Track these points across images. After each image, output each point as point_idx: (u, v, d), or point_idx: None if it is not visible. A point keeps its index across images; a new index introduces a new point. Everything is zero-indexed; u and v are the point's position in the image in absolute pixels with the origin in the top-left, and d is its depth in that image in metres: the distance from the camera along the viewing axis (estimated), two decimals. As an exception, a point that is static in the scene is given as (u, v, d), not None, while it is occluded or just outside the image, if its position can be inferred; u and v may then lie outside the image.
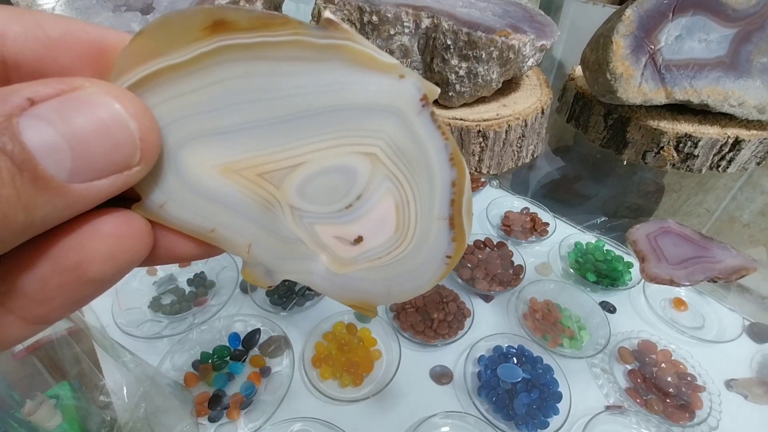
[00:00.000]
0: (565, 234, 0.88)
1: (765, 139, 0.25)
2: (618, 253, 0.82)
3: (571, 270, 0.79)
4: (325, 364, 0.63)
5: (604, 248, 0.83)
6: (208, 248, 0.15)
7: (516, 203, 0.97)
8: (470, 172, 0.25)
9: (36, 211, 0.10)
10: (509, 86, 0.27)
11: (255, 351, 0.66)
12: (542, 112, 0.26)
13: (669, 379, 0.62)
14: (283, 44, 0.13)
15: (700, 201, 1.68)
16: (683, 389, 0.61)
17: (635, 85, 0.23)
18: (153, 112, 0.13)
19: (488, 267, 0.79)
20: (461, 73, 0.23)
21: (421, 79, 0.14)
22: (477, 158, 0.25)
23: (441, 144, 0.15)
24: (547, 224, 0.90)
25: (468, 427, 0.57)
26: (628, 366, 0.65)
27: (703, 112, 0.26)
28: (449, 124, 0.23)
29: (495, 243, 0.85)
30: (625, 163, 0.28)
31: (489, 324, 0.71)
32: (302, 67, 0.14)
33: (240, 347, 0.67)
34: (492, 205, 0.95)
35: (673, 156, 0.25)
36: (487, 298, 0.76)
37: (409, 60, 0.24)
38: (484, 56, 0.22)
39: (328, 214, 0.17)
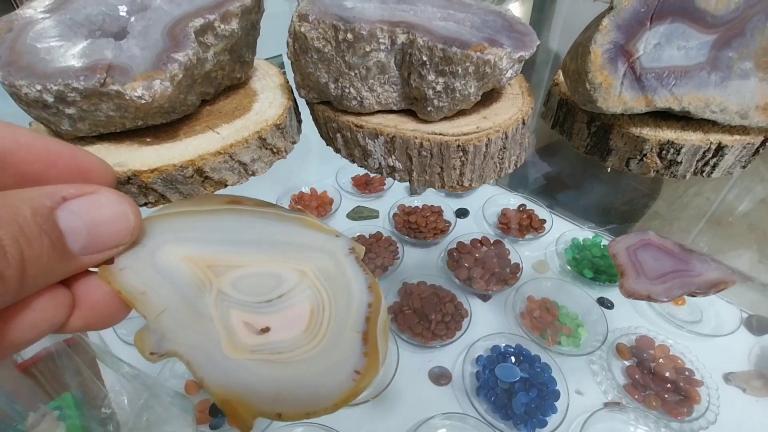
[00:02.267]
0: (562, 230, 0.88)
1: (749, 144, 0.25)
2: (615, 248, 0.82)
3: (568, 267, 0.79)
4: (323, 368, 0.64)
5: (601, 244, 0.83)
6: (119, 312, 0.18)
7: (512, 200, 0.97)
8: (452, 185, 0.25)
9: (54, 273, 0.15)
10: (491, 96, 0.27)
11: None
12: (523, 123, 0.25)
13: (667, 374, 0.62)
14: (269, 213, 0.23)
15: (699, 190, 1.68)
16: (681, 384, 0.61)
17: (615, 95, 0.23)
18: (174, 225, 0.20)
19: (485, 266, 0.79)
20: (438, 88, 0.23)
21: (350, 240, 0.22)
22: (458, 172, 0.25)
23: (362, 276, 0.21)
24: (544, 221, 0.90)
25: (467, 428, 0.58)
26: (626, 362, 0.65)
27: (686, 118, 0.26)
28: (429, 140, 0.23)
29: (492, 241, 0.85)
30: (608, 170, 0.27)
31: (487, 324, 0.72)
32: (276, 221, 0.22)
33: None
34: (488, 203, 0.95)
35: (656, 163, 0.25)
36: (484, 298, 0.77)
37: (387, 76, 0.24)
38: (460, 71, 0.22)
39: (248, 303, 0.20)
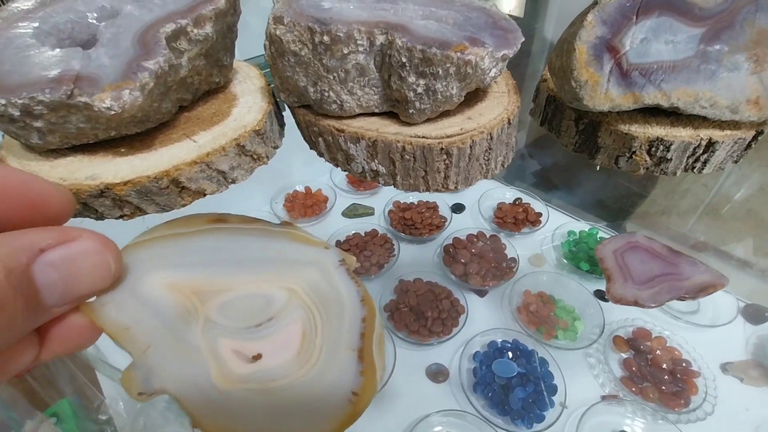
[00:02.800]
0: (558, 223, 0.88)
1: (740, 138, 0.25)
2: (611, 240, 0.82)
3: (565, 260, 0.79)
4: (321, 368, 0.64)
5: (598, 235, 0.83)
6: (91, 339, 0.18)
7: (508, 194, 0.96)
8: (437, 189, 0.25)
9: (25, 329, 0.14)
10: (476, 95, 0.27)
11: (251, 358, 0.67)
12: (509, 123, 0.25)
13: (664, 366, 0.62)
14: (254, 229, 0.22)
15: (698, 177, 1.67)
16: (678, 375, 0.61)
17: (601, 92, 0.23)
18: (157, 251, 0.20)
19: (481, 261, 0.79)
20: (419, 90, 0.22)
21: (340, 252, 0.22)
22: (443, 175, 0.24)
23: (354, 289, 0.21)
24: (540, 214, 0.89)
25: (465, 425, 0.58)
26: (623, 355, 0.65)
27: (675, 114, 0.25)
28: (411, 143, 0.22)
29: (488, 236, 0.84)
30: (597, 168, 0.27)
31: (483, 319, 0.71)
32: (262, 237, 0.22)
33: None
34: (484, 197, 0.94)
35: (645, 160, 0.25)
36: (481, 293, 0.76)
37: (367, 78, 0.23)
38: (441, 73, 0.21)
39: (237, 330, 0.19)
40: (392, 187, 0.26)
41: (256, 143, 0.25)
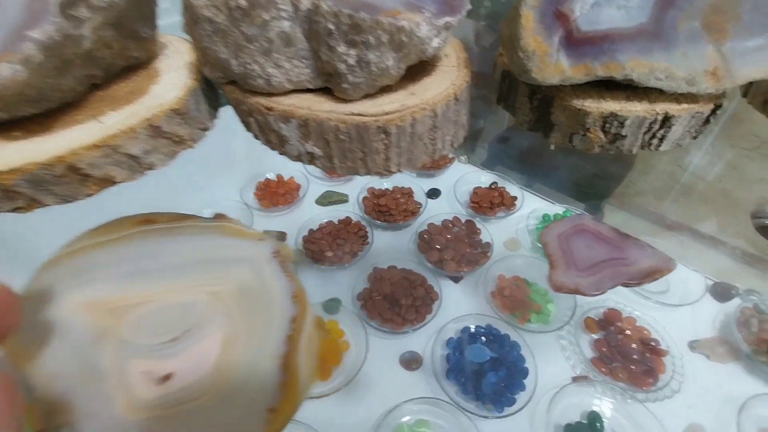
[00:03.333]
0: (533, 207, 0.87)
1: (698, 113, 0.23)
2: (585, 222, 0.82)
3: (539, 243, 0.78)
4: (291, 360, 0.62)
5: (572, 219, 0.83)
6: None
7: (484, 178, 0.95)
8: (378, 172, 0.23)
9: None
10: (423, 69, 0.25)
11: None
12: (456, 99, 0.23)
13: (633, 345, 0.63)
14: (184, 227, 0.21)
15: (673, 158, 1.69)
16: (647, 354, 0.62)
17: (551, 63, 0.21)
18: (76, 265, 0.19)
19: (456, 247, 0.78)
20: (351, 61, 0.20)
21: (275, 242, 0.21)
22: (383, 156, 0.22)
23: (285, 284, 0.19)
24: (515, 198, 0.88)
25: (437, 411, 0.57)
26: (594, 336, 0.66)
27: (631, 87, 0.24)
28: (345, 122, 0.20)
29: (463, 221, 0.83)
30: (552, 147, 0.25)
31: (458, 305, 0.71)
32: (191, 236, 0.21)
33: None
34: (460, 182, 0.93)
35: (599, 138, 0.23)
36: (456, 279, 0.76)
37: (295, 49, 0.21)
38: (372, 41, 0.19)
39: (149, 348, 0.17)
40: (331, 170, 0.23)
41: (175, 124, 0.22)
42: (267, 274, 0.19)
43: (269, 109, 0.22)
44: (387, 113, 0.21)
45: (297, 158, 0.24)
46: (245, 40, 0.20)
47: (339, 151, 0.22)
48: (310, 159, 0.23)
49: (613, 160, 1.37)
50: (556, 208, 0.87)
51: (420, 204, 0.88)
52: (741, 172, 1.52)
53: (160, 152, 0.22)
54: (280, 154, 0.24)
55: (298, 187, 0.93)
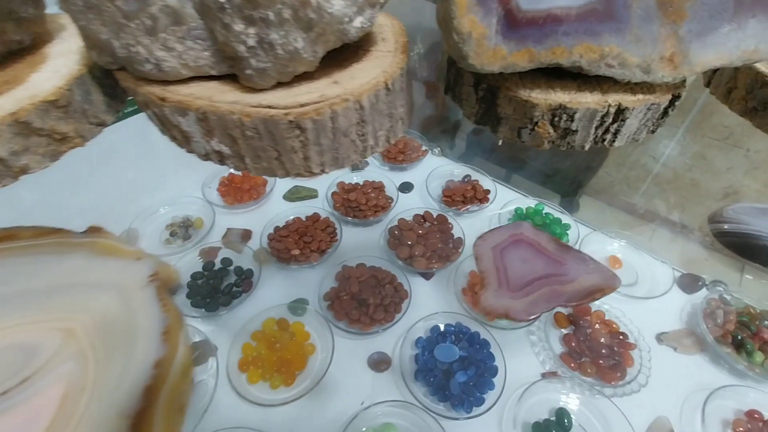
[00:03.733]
0: (506, 200, 0.86)
1: (654, 104, 0.21)
2: (556, 215, 0.81)
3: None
4: (253, 366, 0.59)
5: (543, 211, 0.82)
6: None
7: (457, 171, 0.93)
8: (298, 173, 0.20)
9: None
10: (353, 55, 0.22)
11: (177, 360, 0.61)
12: (388, 88, 0.20)
13: (602, 340, 0.62)
14: (48, 244, 0.17)
15: (646, 149, 1.72)
16: (615, 349, 0.61)
17: (489, 47, 0.18)
18: None
19: (427, 243, 0.76)
20: (251, 42, 0.17)
21: (157, 261, 0.18)
22: (301, 156, 0.19)
23: (157, 317, 0.16)
24: (488, 191, 0.87)
25: (404, 414, 0.56)
26: (563, 330, 0.65)
27: (583, 77, 0.21)
28: (249, 115, 0.17)
29: (435, 216, 0.81)
30: (500, 143, 0.23)
31: (428, 303, 0.69)
32: (54, 256, 0.17)
33: (160, 358, 0.61)
34: (432, 176, 0.91)
35: (548, 133, 0.21)
36: (427, 276, 0.74)
37: (186, 27, 0.18)
38: (272, 18, 0.16)
39: None
40: (248, 172, 0.20)
41: (53, 119, 0.19)
42: (136, 304, 0.17)
43: (163, 99, 0.19)
44: (302, 105, 0.18)
45: (205, 157, 0.20)
46: (123, 17, 0.17)
47: (249, 149, 0.19)
48: (220, 159, 0.20)
49: (589, 151, 1.37)
50: (529, 202, 0.86)
51: (391, 198, 0.86)
52: (710, 162, 1.55)
53: (34, 153, 0.18)
54: (188, 152, 0.21)
55: (264, 182, 0.89)
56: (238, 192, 0.85)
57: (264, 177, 0.91)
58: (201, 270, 0.72)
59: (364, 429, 0.53)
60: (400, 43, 0.23)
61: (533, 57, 0.19)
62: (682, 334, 0.65)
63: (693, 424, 0.55)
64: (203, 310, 0.65)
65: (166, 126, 0.20)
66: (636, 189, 1.80)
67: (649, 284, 0.71)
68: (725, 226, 0.35)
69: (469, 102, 0.24)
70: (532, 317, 0.26)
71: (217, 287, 0.68)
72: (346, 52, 0.21)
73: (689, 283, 0.72)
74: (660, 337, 0.65)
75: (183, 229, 0.78)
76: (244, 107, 0.18)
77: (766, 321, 0.62)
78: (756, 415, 0.53)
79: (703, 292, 0.70)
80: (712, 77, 0.26)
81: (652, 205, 1.74)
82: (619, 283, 0.28)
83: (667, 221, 1.66)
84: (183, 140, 0.20)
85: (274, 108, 0.18)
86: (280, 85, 0.19)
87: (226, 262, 0.73)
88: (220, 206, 0.83)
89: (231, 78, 0.20)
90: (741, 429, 0.53)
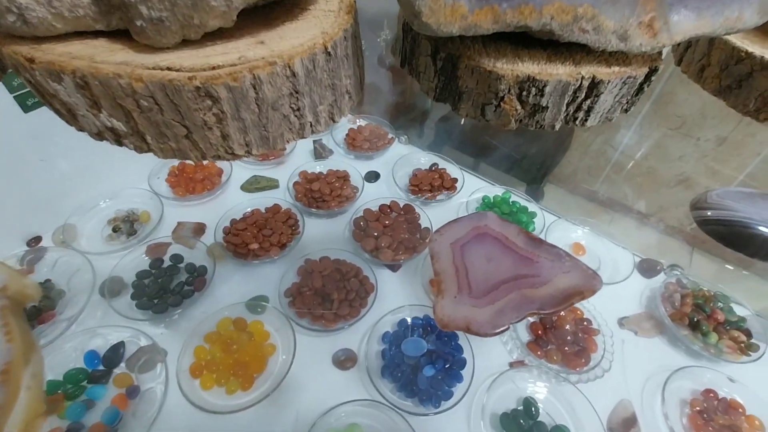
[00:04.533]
0: (473, 188, 0.85)
1: (630, 77, 0.19)
2: (523, 203, 0.81)
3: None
4: (207, 371, 0.55)
5: (510, 200, 0.81)
6: None
7: (424, 159, 0.91)
8: (217, 155, 0.16)
9: None
10: (288, 13, 0.18)
11: (121, 368, 0.56)
12: (327, 53, 0.16)
13: (567, 327, 0.62)
14: None
15: (607, 138, 1.77)
16: (580, 335, 0.62)
17: (446, 5, 0.15)
18: None
19: (394, 234, 0.73)
20: (137, -18, 0.13)
21: (8, 272, 0.16)
22: (218, 133, 0.15)
23: None
24: (456, 180, 0.85)
25: (370, 412, 0.53)
26: (530, 319, 0.64)
27: (553, 44, 0.19)
28: (141, 80, 0.13)
29: (401, 206, 0.78)
30: (462, 122, 0.20)
31: (395, 296, 0.67)
32: None
33: (101, 366, 0.55)
34: (399, 164, 0.88)
35: (516, 110, 0.18)
36: (394, 268, 0.71)
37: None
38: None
39: None
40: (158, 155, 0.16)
41: None
42: None
43: (31, 60, 0.14)
44: (213, 68, 0.14)
45: (98, 136, 0.16)
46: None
47: (149, 125, 0.15)
48: (116, 138, 0.16)
49: (554, 138, 1.39)
50: (496, 190, 0.85)
51: (357, 188, 0.82)
52: (665, 150, 1.61)
53: None
54: (78, 130, 0.17)
55: (219, 172, 0.83)
56: (190, 182, 0.79)
57: (219, 165, 0.85)
58: (148, 268, 0.65)
59: (327, 430, 0.51)
60: (345, 1, 0.20)
61: (498, 17, 0.16)
62: (642, 318, 0.66)
63: (653, 405, 0.56)
64: (150, 312, 0.60)
65: (44, 97, 0.16)
66: (597, 177, 1.86)
67: (611, 270, 0.72)
68: (708, 213, 0.35)
69: (427, 74, 0.21)
70: (498, 330, 0.22)
71: (166, 287, 0.63)
72: (278, 9, 0.18)
73: (648, 268, 0.73)
74: (621, 322, 0.66)
75: (127, 224, 0.72)
76: (134, 69, 0.14)
77: (720, 303, 0.64)
78: (711, 394, 0.55)
79: (662, 276, 0.72)
80: (684, 54, 0.24)
81: (612, 192, 1.81)
82: (601, 283, 0.25)
83: (626, 208, 1.72)
84: (68, 115, 0.16)
85: (174, 70, 0.14)
86: (188, 44, 0.15)
87: (177, 258, 0.67)
88: (169, 198, 0.77)
89: (125, 35, 0.15)
90: (698, 408, 0.54)
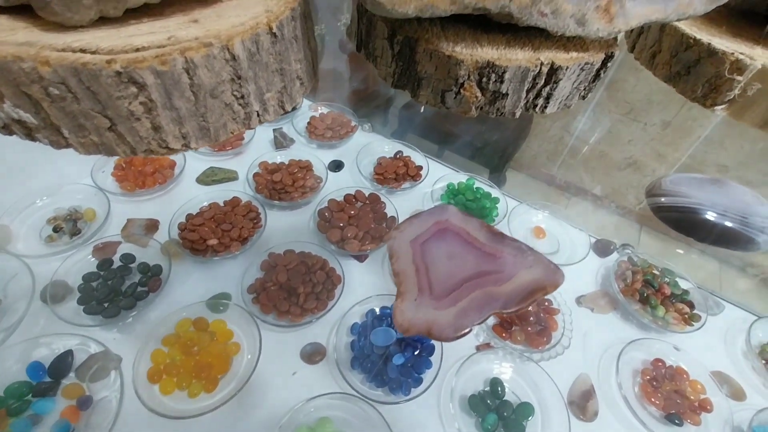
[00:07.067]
0: (438, 176, 0.85)
1: (587, 64, 0.19)
2: (486, 189, 0.82)
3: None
4: (166, 375, 0.52)
5: (474, 186, 0.82)
6: None
7: (388, 148, 0.90)
8: (149, 150, 0.15)
9: None
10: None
11: (71, 378, 0.52)
12: (273, 34, 0.15)
13: (530, 308, 0.64)
14: None
15: (565, 124, 1.84)
16: (541, 315, 0.64)
17: (401, -19, 0.14)
18: None
19: (360, 224, 0.72)
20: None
21: None
22: (149, 125, 0.14)
23: None
24: (420, 167, 0.85)
25: (341, 405, 0.53)
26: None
27: (513, 29, 0.18)
28: (47, 63, 0.11)
29: (367, 196, 0.77)
30: (422, 110, 0.20)
31: (363, 287, 0.66)
32: None
33: (46, 378, 0.51)
34: (363, 153, 0.87)
35: (476, 96, 0.18)
36: (361, 258, 0.70)
37: None
38: None
39: None
40: (74, 150, 0.14)
41: None
42: None
43: None
44: (137, 50, 0.12)
45: (5, 130, 0.14)
46: None
47: (63, 117, 0.13)
48: (26, 131, 0.14)
49: (515, 125, 1.43)
50: (460, 177, 0.86)
51: (320, 178, 0.80)
52: (615, 135, 1.70)
53: None
54: (-22, 123, 0.14)
55: (172, 164, 0.78)
56: (139, 176, 0.74)
57: (171, 158, 0.80)
58: (96, 270, 0.61)
59: (297, 426, 0.50)
60: (294, -21, 0.18)
61: (456, -2, 0.15)
62: (597, 296, 0.70)
63: (609, 377, 0.59)
64: (100, 317, 0.55)
65: (-71, 82, 0.13)
66: (555, 162, 1.94)
67: (569, 251, 0.75)
68: (662, 200, 0.36)
69: (384, 59, 0.20)
70: (460, 334, 0.22)
71: (116, 289, 0.59)
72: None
73: (603, 248, 0.77)
74: (579, 300, 0.69)
75: (70, 223, 0.66)
76: (40, 51, 0.12)
77: (666, 278, 0.69)
78: (660, 363, 0.60)
79: (615, 255, 0.76)
80: (636, 41, 0.25)
81: (569, 176, 1.88)
82: (563, 278, 0.26)
83: (582, 191, 1.81)
84: (-39, 104, 0.13)
85: (89, 52, 0.12)
86: (107, 21, 0.13)
87: (128, 258, 0.62)
88: (116, 194, 0.71)
89: (29, 11, 0.13)
90: (648, 376, 0.58)
